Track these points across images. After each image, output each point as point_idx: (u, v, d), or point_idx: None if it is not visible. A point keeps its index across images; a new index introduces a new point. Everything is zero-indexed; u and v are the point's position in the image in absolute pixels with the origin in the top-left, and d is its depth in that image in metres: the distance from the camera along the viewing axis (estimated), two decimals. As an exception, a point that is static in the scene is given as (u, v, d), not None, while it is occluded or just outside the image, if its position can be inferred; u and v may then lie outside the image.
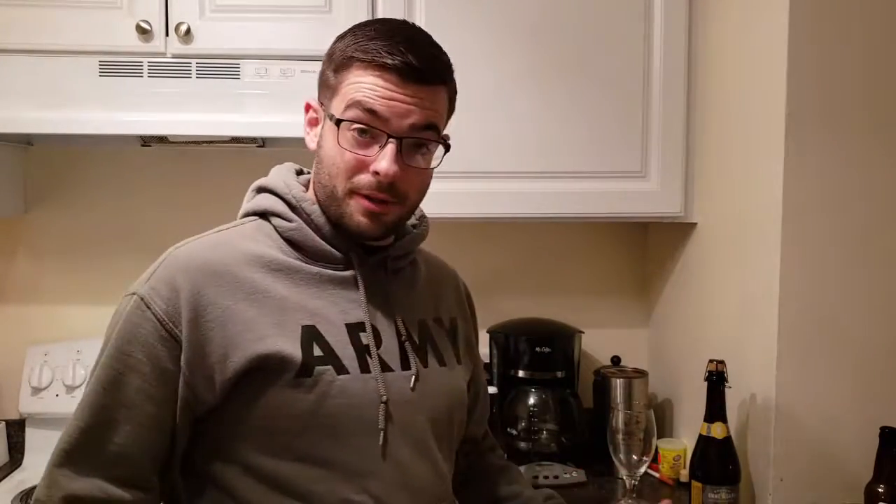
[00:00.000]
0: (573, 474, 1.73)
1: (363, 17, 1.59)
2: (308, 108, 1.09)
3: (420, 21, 1.54)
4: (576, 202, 1.70)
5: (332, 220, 1.04)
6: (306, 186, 1.09)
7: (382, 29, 1.01)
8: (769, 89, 1.43)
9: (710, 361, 1.47)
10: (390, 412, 1.01)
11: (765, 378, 1.44)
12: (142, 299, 0.97)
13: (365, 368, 1.01)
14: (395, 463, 1.01)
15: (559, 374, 1.84)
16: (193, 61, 1.58)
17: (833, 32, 1.39)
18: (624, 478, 1.48)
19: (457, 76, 1.06)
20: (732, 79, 1.60)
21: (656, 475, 1.74)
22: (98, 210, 1.91)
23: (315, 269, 1.04)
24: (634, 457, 1.45)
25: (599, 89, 1.69)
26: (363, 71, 0.99)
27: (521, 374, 1.84)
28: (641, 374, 1.85)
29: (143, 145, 1.82)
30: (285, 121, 1.52)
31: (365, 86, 0.98)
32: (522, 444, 1.79)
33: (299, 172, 1.13)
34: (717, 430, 1.46)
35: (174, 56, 1.59)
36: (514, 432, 1.79)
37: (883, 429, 1.34)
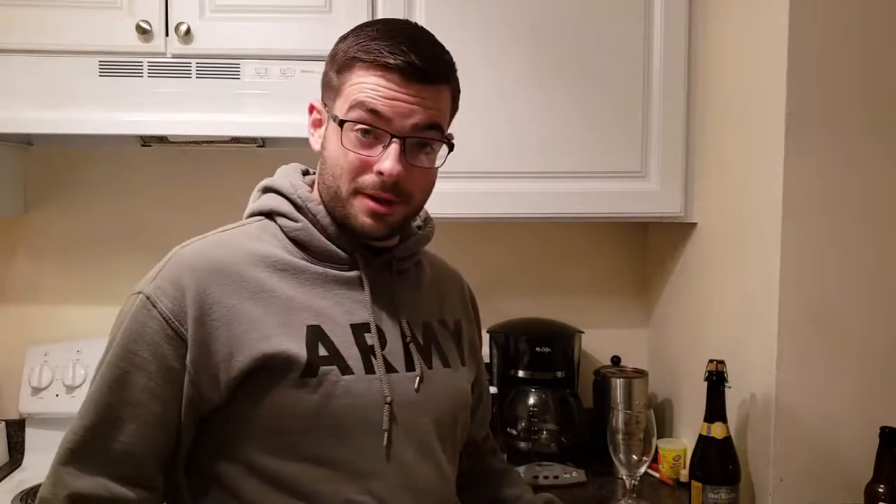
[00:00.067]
0: (573, 474, 1.73)
1: (363, 17, 1.59)
2: (312, 109, 1.09)
3: (420, 21, 1.52)
4: (576, 202, 1.70)
5: (337, 220, 1.04)
6: (311, 187, 1.09)
7: (385, 29, 1.01)
8: (769, 89, 1.44)
9: (710, 361, 1.47)
10: (394, 413, 1.01)
11: (765, 378, 1.44)
12: (148, 298, 0.97)
13: (370, 369, 1.02)
14: (399, 464, 1.01)
15: (559, 374, 1.84)
16: (193, 61, 1.58)
17: (833, 32, 1.39)
18: (624, 478, 1.49)
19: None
20: (732, 79, 1.60)
21: (656, 475, 1.74)
22: (98, 210, 1.91)
23: (320, 269, 1.04)
24: (634, 457, 1.46)
25: (599, 89, 1.69)
26: (365, 71, 0.99)
27: (521, 374, 1.84)
28: (641, 374, 1.85)
29: (143, 145, 1.82)
30: (285, 121, 1.52)
31: (367, 86, 0.98)
32: (522, 444, 1.79)
33: (305, 173, 1.13)
34: (717, 430, 1.46)
35: (174, 56, 1.59)
36: (514, 432, 1.79)
37: (883, 429, 1.34)
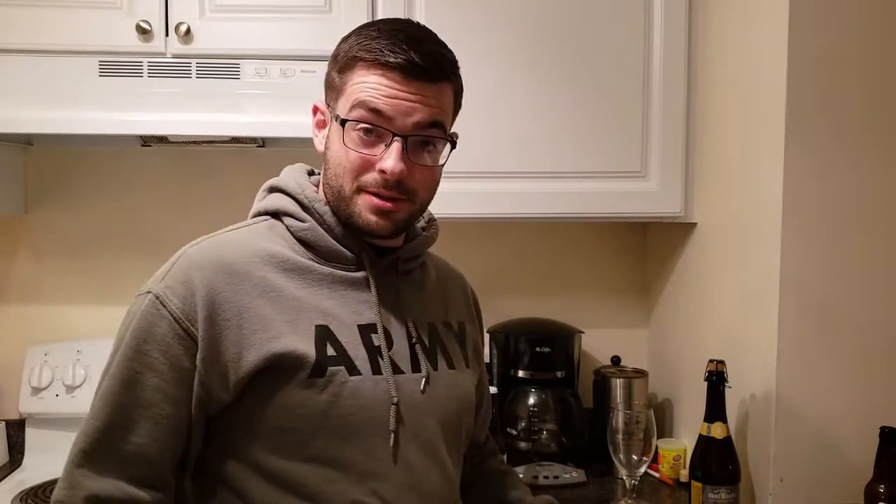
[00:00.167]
0: (573, 474, 1.73)
1: (363, 17, 1.59)
2: (315, 110, 1.09)
3: (420, 21, 1.52)
4: (576, 202, 1.70)
5: (343, 220, 1.04)
6: (317, 187, 1.09)
7: (386, 28, 1.01)
8: (769, 89, 1.44)
9: (710, 361, 1.47)
10: (401, 414, 1.01)
11: (765, 378, 1.44)
12: (157, 298, 0.97)
13: (376, 370, 1.01)
14: (405, 465, 1.01)
15: (559, 374, 1.84)
16: (193, 61, 1.58)
17: (833, 32, 1.40)
18: (624, 478, 1.49)
19: (457, 76, 1.06)
20: (732, 79, 1.60)
21: (656, 475, 1.74)
22: (98, 210, 1.91)
23: (327, 269, 1.04)
24: (634, 457, 1.46)
25: (599, 89, 1.69)
26: (367, 70, 0.99)
27: (521, 374, 1.84)
28: (641, 374, 1.85)
29: (143, 145, 1.82)
30: (285, 121, 1.52)
31: (369, 85, 0.98)
32: (522, 444, 1.79)
33: (310, 173, 1.13)
34: (717, 430, 1.46)
35: (174, 56, 1.59)
36: (514, 432, 1.79)
37: (883, 428, 1.34)
